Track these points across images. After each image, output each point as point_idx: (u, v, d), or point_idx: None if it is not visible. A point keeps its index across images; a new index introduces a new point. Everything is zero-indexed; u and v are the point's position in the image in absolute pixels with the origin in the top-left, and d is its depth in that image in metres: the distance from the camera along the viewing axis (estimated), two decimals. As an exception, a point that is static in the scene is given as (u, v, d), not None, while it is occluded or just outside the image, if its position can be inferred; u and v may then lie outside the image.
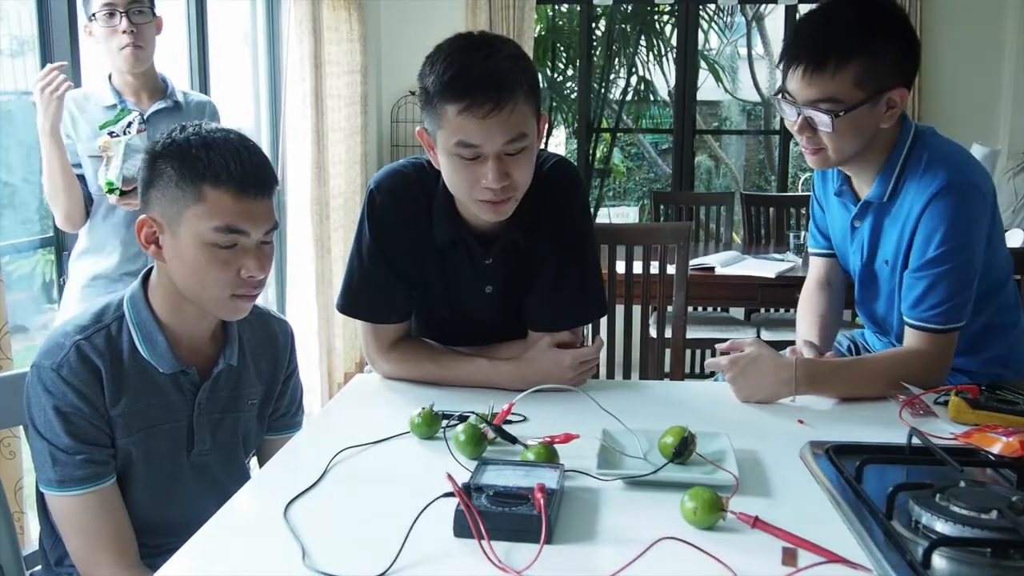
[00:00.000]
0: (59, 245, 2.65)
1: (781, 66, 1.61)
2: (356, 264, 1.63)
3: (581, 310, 1.67)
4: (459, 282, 1.63)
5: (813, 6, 1.70)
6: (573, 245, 1.62)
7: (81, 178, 2.37)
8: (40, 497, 1.40)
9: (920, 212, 1.59)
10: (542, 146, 1.60)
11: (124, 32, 2.28)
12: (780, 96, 1.63)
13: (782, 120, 5.20)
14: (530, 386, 1.44)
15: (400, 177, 1.61)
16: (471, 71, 1.40)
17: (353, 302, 1.65)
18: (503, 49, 1.44)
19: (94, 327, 1.36)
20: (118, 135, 2.28)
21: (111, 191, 2.29)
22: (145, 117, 2.37)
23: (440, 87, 1.41)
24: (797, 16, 5.07)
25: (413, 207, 1.59)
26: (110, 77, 2.42)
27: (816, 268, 1.99)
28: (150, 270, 1.43)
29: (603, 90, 7.51)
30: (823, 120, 1.56)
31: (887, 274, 1.73)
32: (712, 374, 1.64)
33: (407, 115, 4.84)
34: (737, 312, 4.39)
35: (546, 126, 1.56)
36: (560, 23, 7.68)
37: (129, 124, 2.30)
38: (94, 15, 2.30)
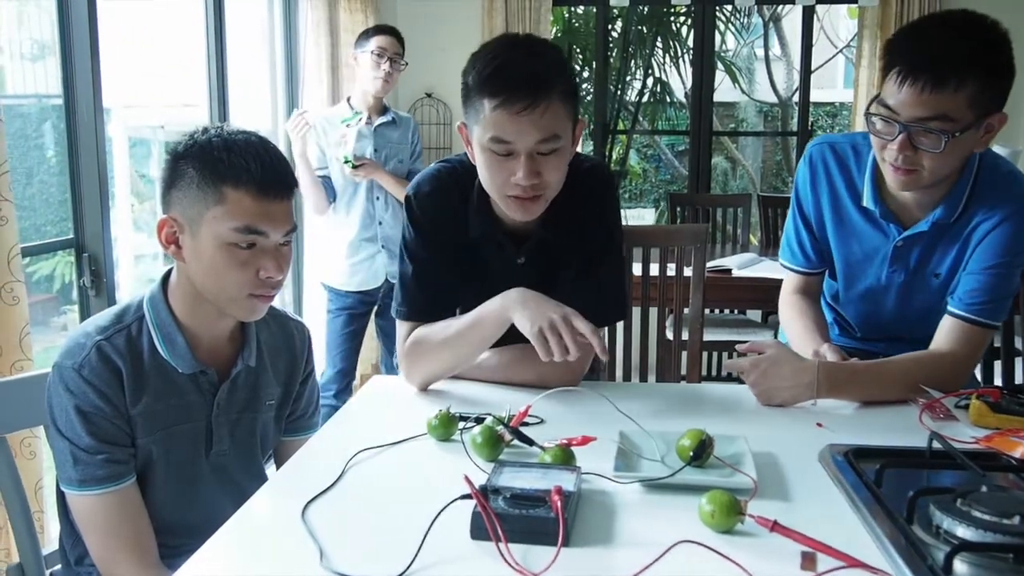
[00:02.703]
0: (79, 247, 2.67)
1: (885, 80, 1.53)
2: (406, 269, 1.64)
3: (601, 313, 1.66)
4: (494, 281, 1.64)
5: (832, 7, 1.68)
6: (599, 247, 1.63)
7: (327, 179, 3.44)
8: (60, 496, 1.41)
9: (994, 225, 1.62)
10: (579, 149, 1.61)
11: (384, 69, 3.40)
12: (872, 111, 1.56)
13: (800, 121, 5.21)
14: (507, 315, 1.48)
15: (434, 180, 1.65)
16: (509, 68, 1.44)
17: (414, 308, 1.64)
18: (544, 51, 1.49)
19: (115, 327, 1.37)
20: (351, 125, 3.38)
21: (346, 163, 3.35)
22: (374, 127, 3.46)
23: (479, 82, 1.45)
24: (815, 17, 5.05)
25: (449, 207, 1.62)
26: (348, 99, 3.54)
27: (795, 282, 1.95)
28: (169, 271, 1.44)
29: (619, 91, 7.50)
30: (932, 140, 1.50)
31: (935, 286, 1.73)
32: (729, 375, 1.63)
33: (425, 117, 4.84)
34: (754, 314, 4.37)
35: (583, 130, 1.57)
36: (576, 24, 7.68)
37: (359, 119, 3.40)
38: (370, 52, 3.39)
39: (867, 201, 1.73)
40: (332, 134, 3.41)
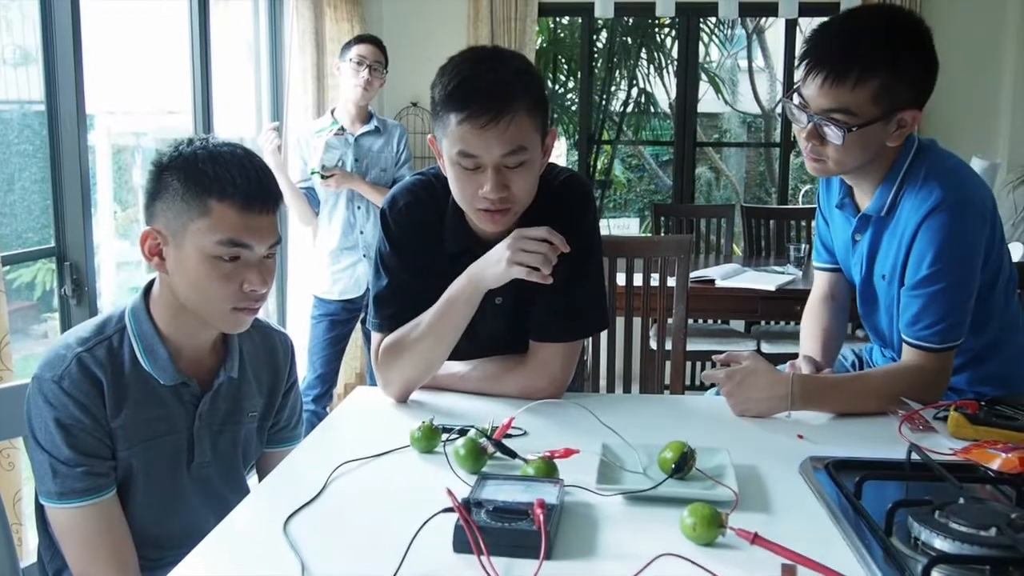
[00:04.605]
0: (60, 256, 2.65)
1: (798, 69, 1.59)
2: (381, 283, 1.64)
3: (582, 323, 1.67)
4: None
5: (815, 19, 1.71)
6: (580, 259, 1.62)
7: (311, 190, 3.49)
8: (39, 509, 1.39)
9: (916, 228, 1.58)
10: (554, 160, 1.61)
11: (363, 77, 3.42)
12: (791, 100, 1.60)
13: (783, 132, 5.26)
14: (478, 282, 1.51)
15: (409, 193, 1.65)
16: (473, 82, 1.44)
17: (388, 321, 1.63)
18: (510, 63, 1.49)
19: (96, 339, 1.36)
20: (323, 136, 3.40)
21: (313, 174, 3.39)
22: (355, 136, 3.46)
23: (444, 97, 1.46)
24: (797, 30, 5.09)
25: (424, 219, 1.62)
26: (332, 111, 3.55)
27: (820, 282, 1.98)
28: (152, 282, 1.43)
29: (604, 102, 7.54)
30: (834, 131, 1.55)
31: (884, 288, 1.72)
32: (710, 386, 1.63)
33: (410, 126, 4.84)
34: (737, 324, 4.39)
35: (554, 141, 1.57)
36: (562, 35, 7.72)
37: (330, 130, 3.42)
38: (349, 60, 3.42)
39: (837, 192, 1.78)
40: (313, 146, 3.45)
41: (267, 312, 4.15)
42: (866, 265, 1.75)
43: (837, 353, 1.94)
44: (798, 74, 1.60)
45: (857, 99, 1.52)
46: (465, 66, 1.47)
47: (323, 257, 3.54)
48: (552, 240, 1.47)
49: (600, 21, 6.35)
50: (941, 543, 0.98)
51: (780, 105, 5.28)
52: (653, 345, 2.98)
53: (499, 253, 1.49)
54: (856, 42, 1.53)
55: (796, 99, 1.60)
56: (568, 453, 1.25)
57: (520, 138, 1.45)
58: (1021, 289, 2.08)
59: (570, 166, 7.11)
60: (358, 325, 3.69)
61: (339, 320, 3.58)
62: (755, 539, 1.02)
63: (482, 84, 1.44)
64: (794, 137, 5.21)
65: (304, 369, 3.63)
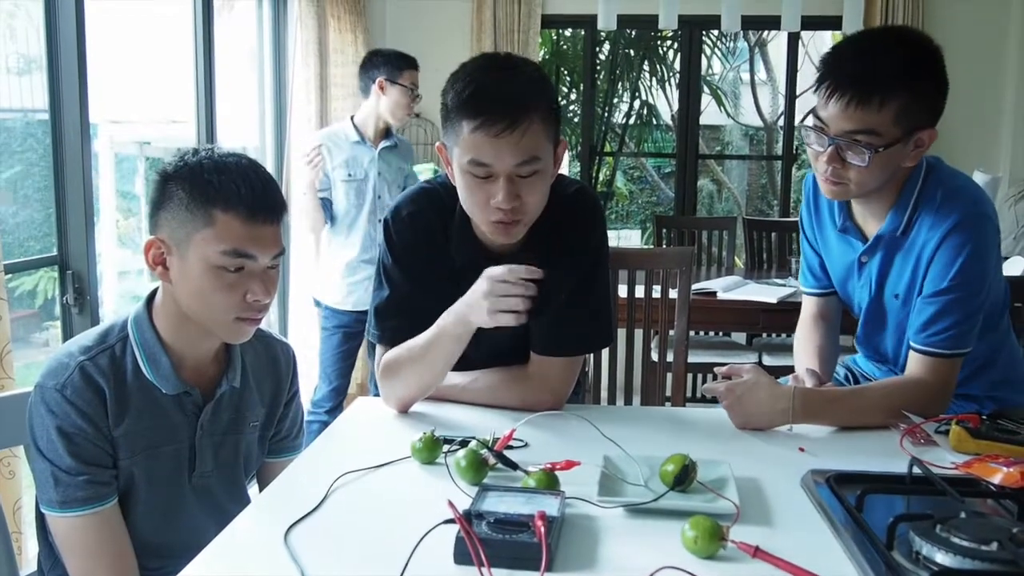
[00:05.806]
0: (63, 264, 2.66)
1: (817, 92, 1.58)
2: (382, 294, 1.63)
3: (586, 339, 1.67)
4: None
5: (817, 33, 1.71)
6: (587, 273, 1.61)
7: (326, 200, 3.42)
8: (39, 517, 1.39)
9: (937, 245, 1.60)
10: (565, 170, 1.60)
11: (410, 105, 3.49)
12: (807, 123, 1.60)
13: (785, 145, 5.26)
14: (465, 324, 1.47)
15: (412, 203, 1.63)
16: (488, 90, 1.42)
17: (389, 333, 1.62)
18: (524, 71, 1.47)
19: (98, 348, 1.36)
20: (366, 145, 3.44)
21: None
22: (378, 151, 3.47)
23: (457, 104, 1.43)
24: (800, 43, 5.11)
25: (428, 230, 1.60)
26: (352, 118, 3.50)
27: (810, 305, 1.98)
28: (155, 291, 1.43)
29: (606, 114, 7.56)
30: (859, 154, 1.54)
31: (896, 307, 1.73)
32: (713, 399, 1.63)
33: (412, 136, 4.85)
34: (739, 337, 4.39)
35: (564, 151, 1.55)
36: (564, 47, 7.74)
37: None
38: (403, 85, 3.43)
39: (836, 216, 1.77)
40: (336, 153, 3.42)
41: (268, 322, 4.14)
42: (875, 285, 1.75)
43: (833, 371, 1.94)
44: (819, 100, 1.58)
45: (882, 120, 1.52)
46: (478, 73, 1.45)
47: (339, 268, 3.53)
48: (526, 276, 1.41)
49: (603, 33, 6.36)
50: (943, 557, 0.98)
51: (783, 118, 5.29)
52: (654, 357, 2.97)
53: (477, 299, 1.44)
54: (878, 63, 1.53)
55: (812, 121, 1.59)
56: (569, 465, 1.24)
57: (534, 147, 1.43)
58: (1021, 302, 2.10)
59: (573, 177, 7.12)
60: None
61: (352, 332, 3.57)
62: (756, 552, 1.03)
63: (497, 92, 1.42)
64: (796, 149, 5.24)
65: (312, 380, 3.63)
